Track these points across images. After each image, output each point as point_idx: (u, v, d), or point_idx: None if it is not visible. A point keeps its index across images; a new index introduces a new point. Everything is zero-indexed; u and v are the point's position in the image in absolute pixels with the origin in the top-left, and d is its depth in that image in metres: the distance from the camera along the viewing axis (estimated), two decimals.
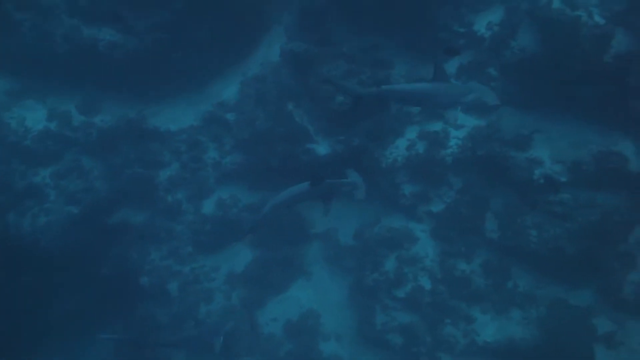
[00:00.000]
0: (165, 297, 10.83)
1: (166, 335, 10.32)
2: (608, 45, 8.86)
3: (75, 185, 10.78)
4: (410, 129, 10.52)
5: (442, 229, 9.97)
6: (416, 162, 10.19)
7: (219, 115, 11.74)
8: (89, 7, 11.14)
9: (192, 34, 11.39)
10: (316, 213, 11.04)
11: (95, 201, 10.81)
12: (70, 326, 10.53)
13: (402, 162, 10.28)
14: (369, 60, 10.59)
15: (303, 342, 10.13)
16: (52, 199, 10.62)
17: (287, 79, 11.17)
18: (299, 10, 11.18)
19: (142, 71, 11.38)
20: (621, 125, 9.07)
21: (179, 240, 11.22)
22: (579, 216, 8.89)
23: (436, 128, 10.28)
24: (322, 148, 10.63)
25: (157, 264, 11.08)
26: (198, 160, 11.51)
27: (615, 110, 9.06)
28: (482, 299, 9.43)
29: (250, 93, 11.64)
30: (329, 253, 10.97)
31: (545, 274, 9.27)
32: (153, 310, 10.75)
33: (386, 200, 10.48)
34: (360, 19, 10.76)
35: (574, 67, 9.09)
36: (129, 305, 10.88)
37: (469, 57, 10.39)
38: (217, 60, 11.99)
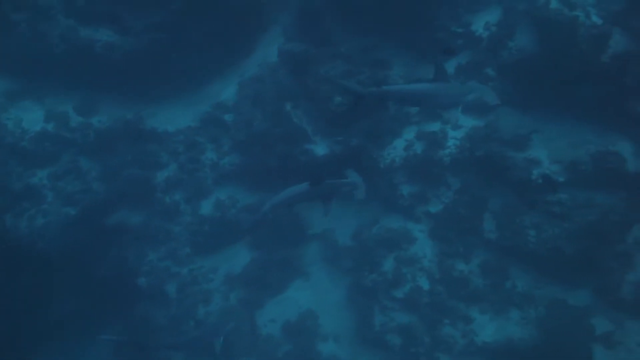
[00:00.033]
0: (164, 299, 10.80)
1: (165, 337, 10.31)
2: (606, 46, 8.88)
3: (73, 186, 10.77)
4: (408, 129, 10.53)
5: (440, 229, 9.96)
6: (414, 162, 10.19)
7: (217, 116, 11.73)
8: (86, 8, 11.13)
9: (190, 34, 11.38)
10: (314, 214, 11.03)
11: (92, 202, 10.80)
12: (68, 327, 10.51)
13: (400, 162, 10.28)
14: (367, 61, 10.59)
15: (301, 343, 10.11)
16: (49, 200, 10.60)
17: (285, 80, 11.16)
18: (297, 10, 11.17)
19: (139, 72, 11.37)
20: (619, 125, 9.08)
21: (177, 241, 11.20)
22: (577, 216, 8.89)
23: (434, 128, 10.29)
24: (320, 148, 10.63)
25: (155, 265, 11.05)
26: (196, 161, 11.49)
27: (613, 110, 9.07)
28: (480, 299, 9.42)
29: (248, 94, 11.63)
30: (327, 254, 10.96)
31: (544, 274, 9.27)
32: (151, 312, 10.72)
33: (384, 200, 10.48)
34: (358, 20, 10.76)
35: (571, 67, 9.11)
36: (127, 306, 10.85)
37: (467, 57, 10.41)
38: (215, 61, 11.99)
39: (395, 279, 9.77)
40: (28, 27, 11.05)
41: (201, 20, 11.34)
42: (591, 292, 8.96)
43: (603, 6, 9.03)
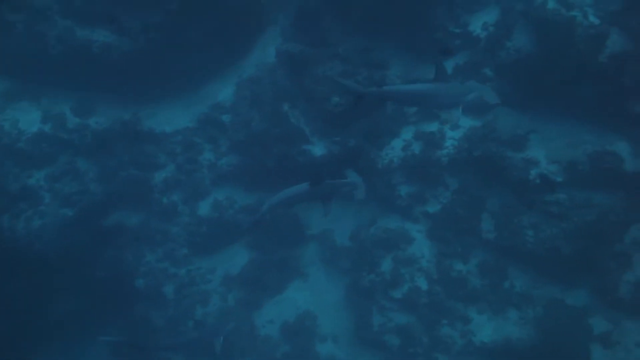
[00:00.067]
0: (161, 300, 10.78)
1: (165, 338, 10.30)
2: (603, 46, 8.88)
3: (70, 187, 10.72)
4: (406, 130, 10.53)
5: (438, 229, 9.96)
6: (412, 162, 10.19)
7: (215, 116, 11.71)
8: (83, 8, 11.08)
9: (187, 35, 11.35)
10: (312, 214, 11.03)
11: (90, 203, 10.76)
12: (67, 328, 10.51)
13: (398, 162, 10.28)
14: (364, 61, 10.57)
15: (300, 344, 10.11)
16: (46, 201, 10.55)
17: (283, 80, 11.15)
18: (294, 11, 11.14)
19: (136, 72, 11.33)
20: (616, 125, 9.09)
21: (175, 242, 11.18)
22: (575, 216, 8.90)
23: (432, 128, 10.29)
24: (317, 149, 10.62)
25: (153, 266, 11.04)
26: (193, 162, 11.47)
27: (610, 111, 9.08)
28: (478, 300, 9.43)
29: (245, 94, 11.61)
30: (326, 254, 10.96)
31: (542, 274, 9.28)
32: (149, 313, 10.71)
33: (382, 201, 10.47)
34: (356, 20, 10.74)
35: (569, 68, 9.11)
36: (125, 307, 10.84)
37: (465, 57, 10.40)
38: (213, 62, 11.96)
39: (394, 280, 9.76)
40: (25, 27, 11.00)
41: (198, 21, 11.31)
42: (589, 292, 8.99)
43: (600, 6, 9.03)
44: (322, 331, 10.23)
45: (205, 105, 11.81)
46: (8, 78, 11.44)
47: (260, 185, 10.90)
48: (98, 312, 10.56)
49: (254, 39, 12.33)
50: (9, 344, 9.81)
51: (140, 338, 10.27)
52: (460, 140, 10.02)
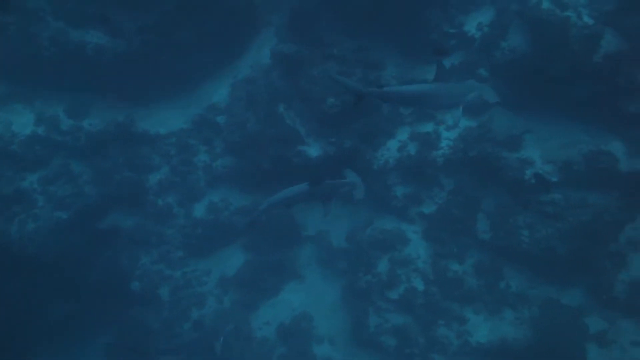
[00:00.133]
0: (157, 302, 10.74)
1: (165, 341, 10.28)
2: (597, 46, 8.90)
3: (64, 190, 10.64)
4: (402, 130, 10.53)
5: (434, 230, 9.97)
6: (408, 163, 10.19)
7: (209, 118, 11.66)
8: (76, 10, 11.00)
9: (182, 36, 11.29)
10: (309, 215, 11.02)
11: (84, 206, 10.70)
12: (63, 331, 10.44)
13: (394, 163, 10.27)
14: (359, 62, 10.55)
15: (296, 345, 10.09)
16: (40, 204, 10.47)
17: (278, 81, 11.12)
18: (289, 12, 11.11)
19: (130, 74, 11.26)
20: (611, 125, 9.12)
21: (170, 244, 11.14)
22: (570, 216, 8.93)
23: (427, 129, 10.29)
24: (313, 150, 10.59)
25: (148, 269, 10.99)
26: (188, 164, 11.43)
27: (605, 110, 9.11)
28: (474, 300, 9.44)
29: (240, 95, 11.57)
30: (322, 255, 10.94)
31: (537, 273, 9.30)
32: (145, 315, 10.66)
33: (378, 202, 10.46)
34: (351, 21, 10.73)
35: (563, 68, 9.13)
36: (121, 310, 10.78)
37: (460, 57, 10.40)
38: (207, 63, 11.91)
39: (390, 280, 9.76)
40: (17, 29, 10.91)
41: (193, 22, 11.25)
42: (584, 291, 9.02)
43: (595, 6, 9.06)
44: (318, 332, 10.22)
45: (200, 106, 11.76)
46: (1, 80, 11.34)
47: (256, 187, 10.86)
48: (94, 314, 10.50)
49: (249, 40, 12.29)
50: (4, 346, 9.73)
51: (137, 340, 10.22)
52: (456, 140, 10.02)
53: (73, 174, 10.83)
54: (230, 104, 11.63)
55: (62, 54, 10.99)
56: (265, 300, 10.76)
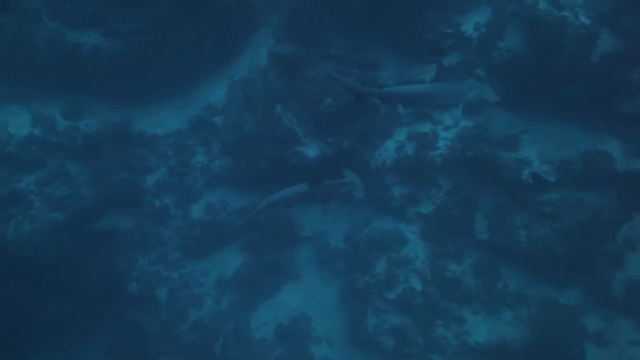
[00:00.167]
0: (154, 304, 10.70)
1: (164, 343, 10.24)
2: (594, 46, 8.93)
3: (61, 191, 10.60)
4: (399, 131, 10.53)
5: (432, 230, 9.96)
6: (405, 163, 10.19)
7: (207, 118, 11.65)
8: (72, 11, 10.97)
9: (178, 36, 11.28)
10: (306, 216, 11.00)
11: (81, 207, 10.65)
12: (60, 333, 10.38)
13: (391, 163, 10.27)
14: (357, 62, 10.56)
15: (294, 346, 10.06)
16: (36, 205, 10.43)
17: (275, 82, 11.11)
18: (287, 12, 11.12)
19: (127, 75, 11.24)
20: (608, 125, 9.14)
21: (167, 245, 11.11)
22: (567, 216, 8.94)
23: (425, 129, 10.29)
24: (310, 151, 10.58)
25: (145, 270, 10.96)
26: (186, 165, 11.40)
27: (602, 110, 9.13)
28: (472, 300, 9.43)
29: (237, 96, 11.55)
30: (320, 256, 10.92)
31: (535, 273, 9.30)
32: (142, 317, 10.62)
33: (376, 202, 10.45)
34: (348, 21, 10.73)
35: (560, 68, 9.15)
36: (118, 312, 10.74)
37: (457, 57, 10.42)
38: (204, 63, 11.90)
39: (388, 281, 9.75)
40: (13, 30, 10.88)
41: (190, 23, 11.24)
42: (582, 291, 9.01)
43: (591, 6, 9.09)
44: (316, 333, 10.19)
45: (197, 107, 11.74)
46: None
47: (254, 188, 10.83)
48: (92, 316, 10.46)
49: (245, 41, 12.28)
50: (3, 346, 9.68)
51: (135, 342, 10.19)
52: (453, 140, 10.03)
53: (69, 175, 10.79)
54: (228, 104, 11.61)
55: (59, 55, 10.97)
56: (263, 301, 10.73)
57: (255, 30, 12.30)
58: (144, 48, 11.11)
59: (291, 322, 10.31)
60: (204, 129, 11.60)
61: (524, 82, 9.59)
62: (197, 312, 10.67)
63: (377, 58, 10.62)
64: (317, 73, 10.36)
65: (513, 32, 9.75)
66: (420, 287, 9.63)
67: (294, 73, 10.68)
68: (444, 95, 6.91)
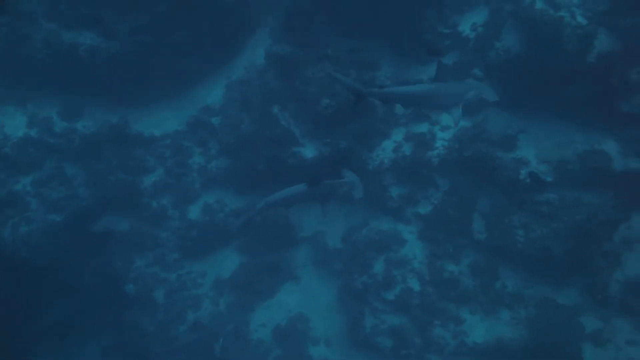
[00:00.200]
0: (152, 305, 10.68)
1: (159, 344, 10.23)
2: (591, 46, 8.94)
3: (58, 192, 10.57)
4: (397, 131, 10.52)
5: (430, 230, 9.96)
6: (403, 163, 10.18)
7: (204, 119, 11.62)
8: (68, 11, 10.93)
9: (175, 37, 11.25)
10: (304, 216, 11.00)
11: (78, 209, 10.63)
12: (58, 334, 10.38)
13: (389, 164, 10.27)
14: (354, 62, 10.55)
15: (292, 347, 10.06)
16: (33, 207, 10.40)
17: (272, 82, 11.09)
18: (284, 12, 11.10)
19: (124, 75, 11.21)
20: (605, 125, 9.15)
21: (165, 246, 11.09)
22: (565, 216, 8.95)
23: (422, 129, 10.29)
24: (308, 151, 10.57)
25: (143, 271, 10.93)
26: (183, 166, 11.37)
27: (599, 110, 9.14)
28: (470, 300, 9.44)
29: (235, 97, 11.53)
30: (318, 256, 10.92)
31: (533, 273, 9.32)
32: (140, 318, 10.61)
33: (374, 202, 10.45)
34: (345, 21, 10.72)
35: (557, 68, 9.15)
36: (116, 313, 10.72)
37: (454, 58, 10.41)
38: (201, 64, 11.87)
39: (386, 281, 9.75)
40: (9, 31, 10.83)
41: (187, 23, 11.21)
42: (580, 291, 9.04)
43: (588, 6, 9.10)
44: (314, 334, 10.19)
45: (194, 108, 11.72)
46: None
47: (251, 188, 10.83)
48: (91, 317, 10.45)
49: (243, 41, 12.26)
50: (3, 346, 9.67)
51: (133, 343, 10.18)
52: (451, 140, 10.03)
53: (67, 177, 10.75)
54: (225, 105, 11.59)
55: (55, 56, 10.93)
56: (261, 302, 10.72)
57: (253, 31, 12.28)
58: (141, 49, 11.08)
59: (289, 322, 10.31)
60: (201, 130, 11.58)
61: (521, 82, 9.59)
62: (195, 313, 10.65)
63: (374, 58, 10.61)
64: (314, 73, 10.35)
65: (510, 32, 9.75)
66: (418, 288, 9.63)
67: (292, 73, 10.66)
68: (444, 95, 6.90)
